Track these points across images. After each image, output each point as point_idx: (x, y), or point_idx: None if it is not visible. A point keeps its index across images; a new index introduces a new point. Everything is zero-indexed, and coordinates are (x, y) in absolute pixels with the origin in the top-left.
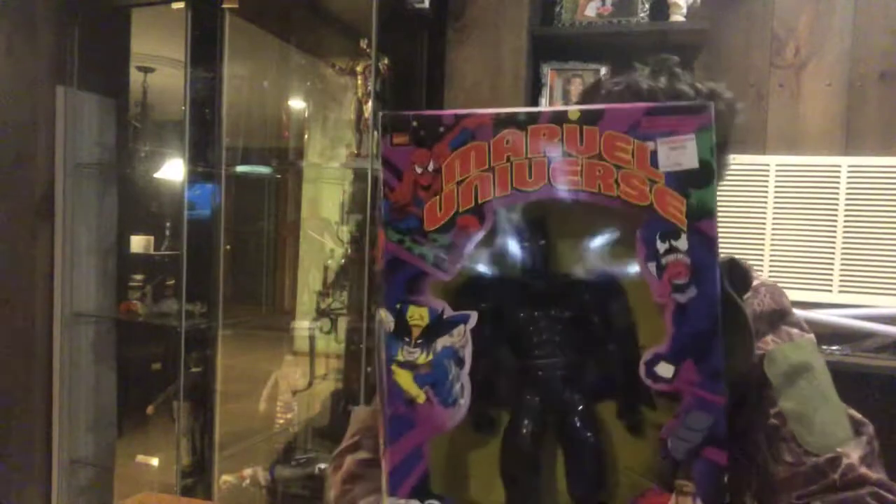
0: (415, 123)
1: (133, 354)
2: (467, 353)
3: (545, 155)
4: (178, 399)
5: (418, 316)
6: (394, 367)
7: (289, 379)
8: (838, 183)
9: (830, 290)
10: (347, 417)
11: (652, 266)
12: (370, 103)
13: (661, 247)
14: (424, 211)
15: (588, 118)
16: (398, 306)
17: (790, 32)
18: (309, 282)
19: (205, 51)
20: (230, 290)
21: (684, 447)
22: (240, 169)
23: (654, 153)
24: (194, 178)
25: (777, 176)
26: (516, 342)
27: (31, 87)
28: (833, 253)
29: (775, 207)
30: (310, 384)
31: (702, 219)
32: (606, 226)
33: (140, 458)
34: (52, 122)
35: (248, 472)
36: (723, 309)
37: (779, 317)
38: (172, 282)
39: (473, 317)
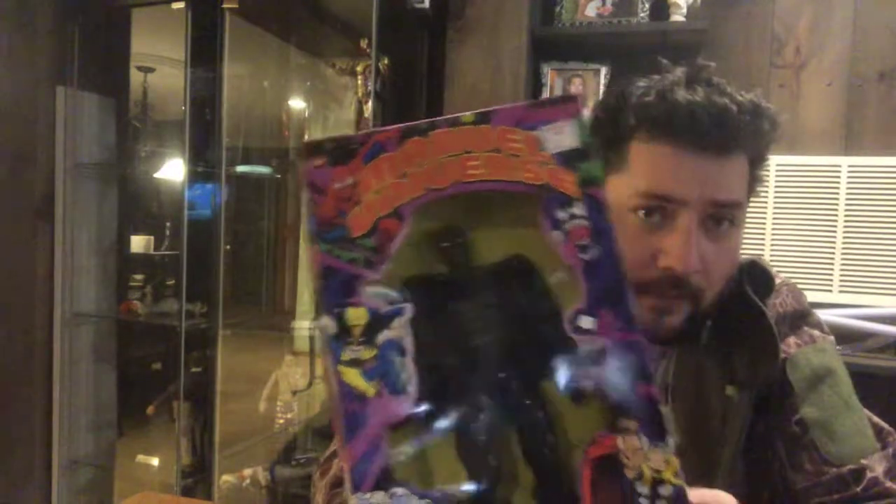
0: (330, 146)
1: (133, 354)
2: (408, 343)
3: (449, 156)
4: (178, 399)
5: (357, 316)
6: (341, 368)
7: (289, 379)
8: (838, 183)
9: (830, 290)
10: None
11: (557, 234)
12: (370, 103)
13: (562, 216)
14: (348, 220)
15: (481, 118)
16: (337, 311)
17: (790, 32)
18: (309, 282)
19: (205, 51)
20: (230, 290)
21: (618, 391)
22: (240, 169)
23: (540, 140)
24: (194, 178)
25: (777, 176)
26: (452, 333)
27: (31, 87)
28: (833, 253)
29: (775, 207)
30: (310, 384)
31: (591, 186)
32: (512, 211)
33: (140, 458)
34: (52, 122)
35: (248, 472)
36: (746, 315)
37: (800, 317)
38: (172, 282)
39: (409, 308)
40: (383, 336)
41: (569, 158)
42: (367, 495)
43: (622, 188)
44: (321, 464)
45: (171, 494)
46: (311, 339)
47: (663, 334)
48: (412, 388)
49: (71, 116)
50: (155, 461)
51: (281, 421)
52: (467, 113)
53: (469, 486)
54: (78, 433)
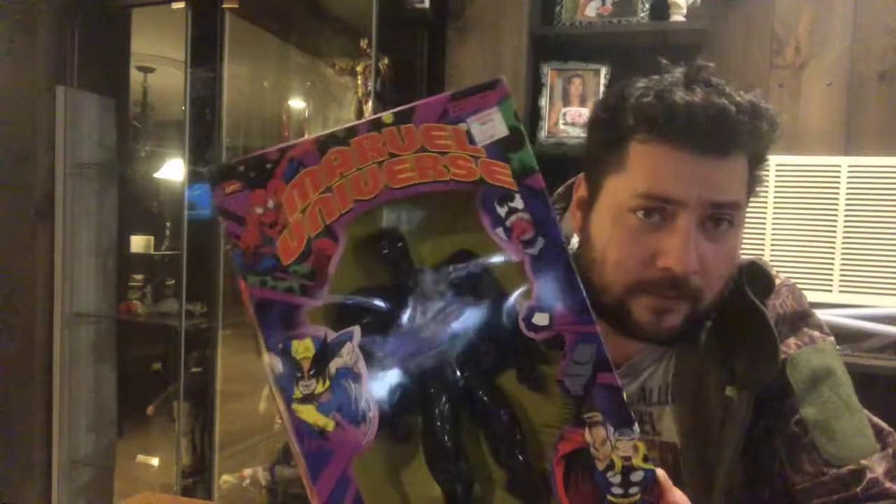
0: (241, 168)
1: (133, 354)
2: (362, 368)
3: (373, 162)
4: (178, 399)
5: (303, 349)
6: (294, 406)
7: None
8: (838, 183)
9: (830, 290)
10: None
11: (500, 231)
12: (370, 103)
13: (502, 211)
14: (278, 247)
15: (401, 118)
16: (281, 346)
17: (790, 32)
18: None
19: (205, 51)
20: (230, 290)
21: (579, 382)
22: None
23: (468, 132)
24: (194, 178)
25: (777, 176)
26: (404, 344)
27: (31, 87)
28: (833, 253)
29: (775, 207)
30: None
31: (527, 176)
32: (449, 210)
33: (140, 458)
34: (52, 122)
35: (248, 472)
36: (745, 315)
37: (800, 318)
38: (172, 282)
39: (357, 332)
40: (335, 365)
41: (500, 149)
42: None
43: (621, 188)
44: None
45: (171, 494)
46: None
47: (663, 335)
48: (372, 414)
49: (71, 116)
50: (155, 461)
51: (281, 421)
52: (386, 112)
53: (445, 497)
54: (78, 433)
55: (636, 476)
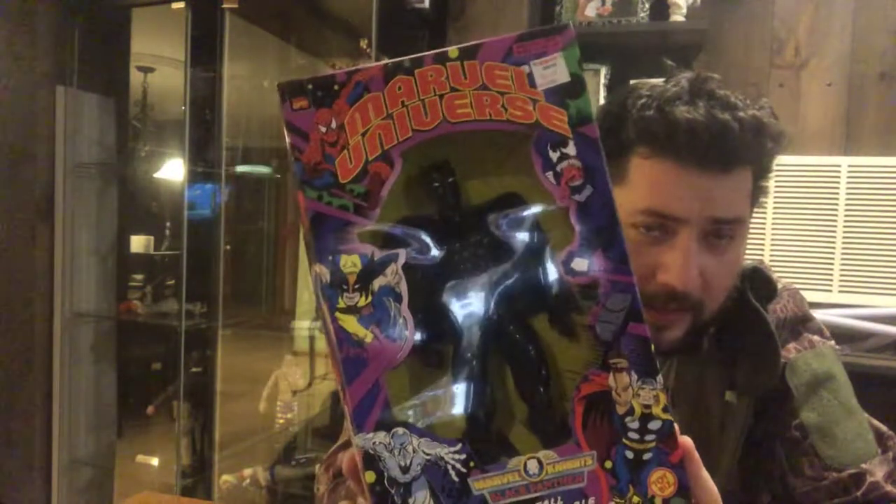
0: (310, 86)
1: (133, 354)
2: (403, 289)
3: (435, 94)
4: (178, 399)
5: (351, 263)
6: (337, 315)
7: (289, 379)
8: (838, 183)
9: (830, 290)
10: None
11: (549, 175)
12: None
13: (554, 156)
14: (336, 165)
15: (467, 54)
16: (331, 258)
17: (790, 32)
18: (309, 282)
19: (205, 51)
20: (230, 290)
21: (610, 329)
22: (240, 169)
23: (530, 75)
24: (194, 178)
25: (777, 176)
26: (443, 275)
27: (31, 86)
28: (833, 253)
29: (775, 207)
30: (310, 384)
31: (583, 124)
32: (502, 149)
33: (140, 458)
34: (52, 122)
35: (248, 472)
36: (747, 320)
37: (801, 322)
38: (172, 282)
39: (402, 254)
40: (378, 283)
41: (559, 94)
42: (370, 435)
43: (622, 202)
44: (325, 459)
45: (171, 494)
46: (311, 339)
47: (664, 347)
48: (408, 333)
49: (71, 116)
50: (155, 461)
51: (281, 421)
52: (453, 47)
53: (467, 421)
54: (78, 433)
55: (654, 425)
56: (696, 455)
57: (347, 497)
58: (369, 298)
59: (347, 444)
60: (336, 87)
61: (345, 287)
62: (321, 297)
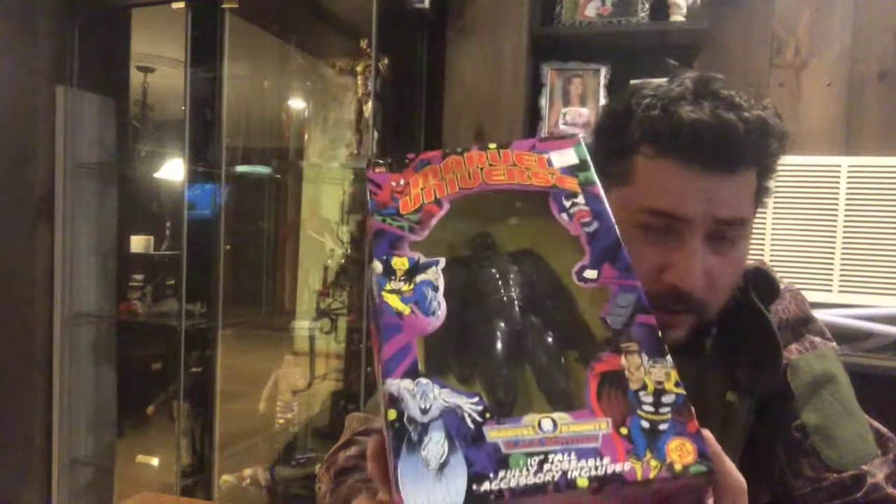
0: (388, 160)
1: (133, 354)
2: (440, 284)
3: (478, 167)
4: (178, 399)
5: (401, 263)
6: (384, 294)
7: (289, 379)
8: (838, 183)
9: (830, 290)
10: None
11: (564, 215)
12: (370, 103)
13: (567, 203)
14: (399, 203)
15: (501, 146)
16: (384, 258)
17: (790, 32)
18: (309, 282)
19: (205, 51)
20: (230, 290)
21: (619, 321)
22: (240, 169)
23: (548, 159)
24: (194, 178)
25: (777, 176)
26: (475, 289)
27: (31, 87)
28: (833, 253)
29: (775, 207)
30: (310, 384)
31: (589, 185)
32: (528, 204)
33: (140, 458)
34: (52, 122)
35: (248, 472)
36: (749, 321)
37: (802, 323)
38: (172, 282)
39: (443, 261)
40: (420, 278)
41: (571, 170)
42: (397, 380)
43: (627, 203)
44: (327, 458)
45: (171, 494)
46: (311, 339)
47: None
48: (441, 313)
49: (71, 116)
50: (155, 461)
51: (281, 421)
52: (492, 143)
53: (488, 395)
54: (78, 433)
55: (667, 398)
56: (718, 446)
57: (351, 493)
58: (412, 286)
59: (348, 444)
60: (406, 161)
61: (392, 277)
62: (372, 283)
